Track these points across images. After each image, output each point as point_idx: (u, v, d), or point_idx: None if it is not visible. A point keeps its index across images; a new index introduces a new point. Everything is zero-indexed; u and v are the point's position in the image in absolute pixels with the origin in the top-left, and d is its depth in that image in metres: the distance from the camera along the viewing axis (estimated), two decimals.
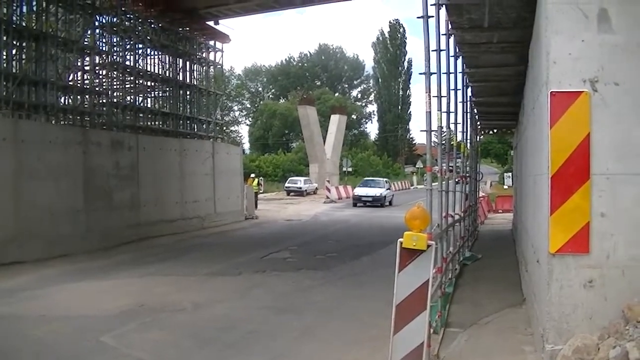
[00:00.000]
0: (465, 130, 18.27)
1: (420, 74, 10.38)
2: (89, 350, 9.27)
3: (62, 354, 9.14)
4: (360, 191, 49.66)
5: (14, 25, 21.07)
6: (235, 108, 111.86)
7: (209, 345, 9.66)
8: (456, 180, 16.35)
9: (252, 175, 39.13)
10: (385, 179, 57.40)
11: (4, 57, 20.99)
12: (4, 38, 20.58)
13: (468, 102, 18.69)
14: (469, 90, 18.37)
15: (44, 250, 18.60)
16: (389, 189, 52.31)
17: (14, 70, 21.21)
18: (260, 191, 54.37)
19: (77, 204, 21.15)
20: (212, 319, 11.38)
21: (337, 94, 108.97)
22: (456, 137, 15.90)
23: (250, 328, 10.65)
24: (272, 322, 11.12)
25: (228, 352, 9.26)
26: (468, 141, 19.50)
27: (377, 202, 47.50)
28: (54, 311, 11.86)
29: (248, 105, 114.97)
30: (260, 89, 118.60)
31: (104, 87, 26.89)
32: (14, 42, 21.46)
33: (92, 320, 11.09)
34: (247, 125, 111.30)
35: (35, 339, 9.84)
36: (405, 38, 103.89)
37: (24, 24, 21.88)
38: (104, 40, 26.71)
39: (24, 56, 22.01)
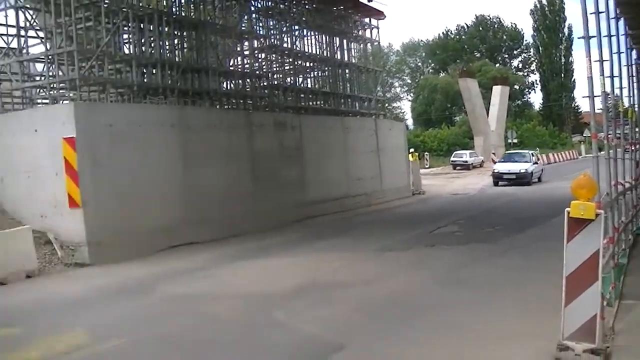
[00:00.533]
0: (632, 95, 17.04)
1: (579, 38, 9.58)
2: (262, 325, 9.38)
3: (236, 329, 9.30)
4: (501, 167, 40.13)
5: (174, 16, 21.50)
6: (396, 84, 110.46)
7: (379, 319, 9.50)
8: (625, 147, 15.21)
9: (412, 150, 38.17)
10: (531, 151, 46.85)
11: (167, 47, 21.44)
12: (166, 29, 21.04)
13: (634, 66, 17.33)
14: (634, 53, 17.00)
15: (216, 231, 18.82)
16: (536, 162, 41.98)
17: (177, 59, 21.62)
18: (426, 166, 53.65)
19: (245, 185, 21.28)
20: (381, 293, 11.20)
21: (497, 65, 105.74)
22: (622, 102, 14.84)
23: (419, 302, 10.43)
24: (440, 296, 10.86)
25: (397, 326, 8.99)
26: (636, 106, 18.22)
27: (522, 180, 38.03)
28: (227, 289, 12.25)
29: (409, 81, 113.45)
30: (419, 63, 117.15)
31: (264, 70, 27.10)
32: (175, 32, 21.94)
33: (265, 297, 11.27)
34: (409, 100, 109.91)
35: (212, 315, 10.09)
36: (564, 3, 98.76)
37: (183, 14, 22.30)
38: (260, 25, 27.02)
39: (185, 45, 22.49)
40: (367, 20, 33.41)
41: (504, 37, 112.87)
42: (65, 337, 9.00)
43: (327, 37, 30.48)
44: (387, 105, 63.82)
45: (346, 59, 31.85)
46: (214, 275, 13.66)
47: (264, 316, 9.85)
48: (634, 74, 17.27)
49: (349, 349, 8.03)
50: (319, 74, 31.55)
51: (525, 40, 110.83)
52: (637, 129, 17.76)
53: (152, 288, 12.45)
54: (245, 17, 25.67)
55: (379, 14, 33.38)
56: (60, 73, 18.83)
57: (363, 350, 8.07)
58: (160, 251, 16.72)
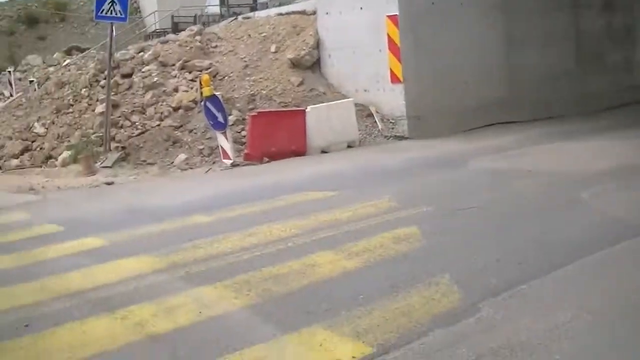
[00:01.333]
0: None
1: None
2: (564, 204, 8.74)
3: (538, 204, 8.85)
4: None
5: None
6: None
7: None
8: None
9: None
10: None
11: None
12: None
13: None
14: None
15: (532, 112, 17.71)
16: None
17: None
18: None
19: (567, 67, 19.50)
20: None
21: None
22: None
23: None
24: None
25: None
26: None
27: None
28: (537, 167, 11.54)
29: None
30: None
31: None
32: None
33: (572, 178, 10.37)
34: None
35: (517, 190, 9.86)
36: None
37: None
38: None
39: None
40: None
41: None
42: (375, 201, 9.08)
43: None
44: None
45: None
46: (524, 154, 12.97)
47: (567, 195, 9.14)
48: None
49: None
50: None
51: None
52: None
53: (464, 162, 12.18)
54: None
55: None
56: None
57: None
58: (474, 129, 16.21)
